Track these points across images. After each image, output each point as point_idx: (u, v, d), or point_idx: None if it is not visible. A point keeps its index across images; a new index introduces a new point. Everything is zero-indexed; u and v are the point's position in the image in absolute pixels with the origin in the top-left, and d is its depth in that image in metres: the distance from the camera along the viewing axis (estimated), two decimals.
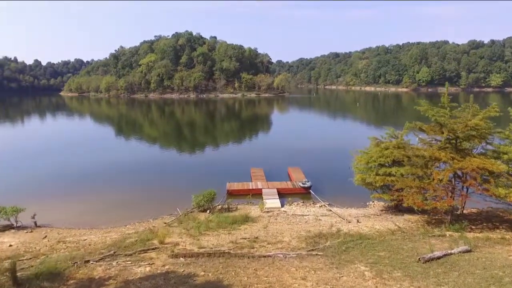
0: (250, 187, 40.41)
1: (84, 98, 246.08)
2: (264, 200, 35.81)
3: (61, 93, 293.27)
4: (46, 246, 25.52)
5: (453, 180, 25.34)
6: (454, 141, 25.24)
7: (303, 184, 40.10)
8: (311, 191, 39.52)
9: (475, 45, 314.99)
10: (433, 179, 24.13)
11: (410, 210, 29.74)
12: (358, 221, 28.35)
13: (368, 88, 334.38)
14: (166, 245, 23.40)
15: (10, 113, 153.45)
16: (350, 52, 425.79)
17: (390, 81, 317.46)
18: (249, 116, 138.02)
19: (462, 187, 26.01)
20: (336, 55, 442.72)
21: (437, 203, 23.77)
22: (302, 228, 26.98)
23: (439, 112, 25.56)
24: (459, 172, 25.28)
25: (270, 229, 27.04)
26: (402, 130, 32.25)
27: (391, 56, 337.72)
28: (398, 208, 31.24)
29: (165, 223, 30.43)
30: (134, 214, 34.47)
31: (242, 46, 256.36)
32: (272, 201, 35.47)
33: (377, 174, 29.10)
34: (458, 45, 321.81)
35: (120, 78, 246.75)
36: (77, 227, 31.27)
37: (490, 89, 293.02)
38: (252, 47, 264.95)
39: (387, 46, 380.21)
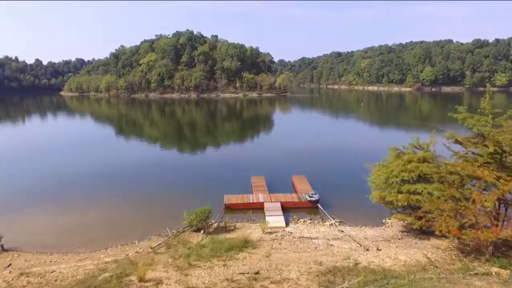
0: (251, 200, 36.07)
1: (84, 97, 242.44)
2: (266, 218, 31.51)
3: (62, 93, 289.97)
4: (5, 281, 21.27)
5: (496, 203, 20.76)
6: (498, 156, 20.71)
7: (310, 197, 35.75)
8: (319, 205, 35.17)
9: (479, 44, 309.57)
10: (473, 202, 19.72)
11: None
12: (378, 249, 23.93)
13: (371, 88, 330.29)
14: (146, 284, 19.13)
15: (10, 113, 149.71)
16: (352, 51, 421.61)
17: (394, 80, 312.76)
18: (251, 116, 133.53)
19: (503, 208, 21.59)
20: (339, 54, 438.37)
21: (479, 232, 19.32)
22: (311, 258, 22.68)
23: (480, 121, 21.02)
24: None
25: (273, 259, 22.75)
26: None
27: (394, 55, 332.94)
28: (421, 230, 26.68)
29: (151, 248, 26.13)
30: (119, 233, 30.24)
31: (244, 45, 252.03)
32: (275, 219, 31.13)
33: (399, 192, 24.80)
34: (462, 44, 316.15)
35: (120, 78, 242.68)
36: (50, 251, 27.10)
37: (495, 89, 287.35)
38: (254, 47, 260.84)
39: (390, 45, 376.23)
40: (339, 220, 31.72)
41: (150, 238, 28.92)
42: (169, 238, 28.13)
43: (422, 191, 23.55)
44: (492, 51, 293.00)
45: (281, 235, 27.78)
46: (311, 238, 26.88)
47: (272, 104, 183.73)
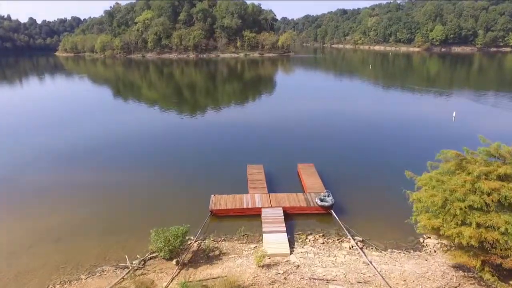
0: (245, 205, 27.67)
1: (80, 58, 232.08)
2: (263, 236, 23.44)
3: (56, 53, 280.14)
4: None
5: None
6: None
7: (321, 200, 27.43)
8: (333, 212, 26.98)
9: (495, 1, 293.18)
10: None
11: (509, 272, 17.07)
12: None
13: (377, 47, 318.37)
14: None
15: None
16: (359, 9, 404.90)
17: (401, 40, 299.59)
18: (252, 79, 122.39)
19: None
20: (344, 11, 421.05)
21: None
22: None
23: None
24: None
25: None
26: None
27: (403, 13, 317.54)
28: (483, 264, 18.17)
29: None
30: (65, 258, 22.31)
31: (245, 2, 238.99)
32: (275, 240, 22.90)
33: (463, 223, 16.40)
34: (476, 0, 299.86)
35: (116, 37, 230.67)
36: None
37: (508, 49, 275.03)
38: (256, 3, 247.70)
39: (399, 2, 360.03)
40: (361, 239, 23.62)
41: (103, 271, 20.89)
42: (127, 274, 20.11)
43: (507, 229, 15.20)
44: (508, 8, 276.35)
45: (283, 272, 19.64)
46: (327, 281, 18.76)
47: (275, 65, 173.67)
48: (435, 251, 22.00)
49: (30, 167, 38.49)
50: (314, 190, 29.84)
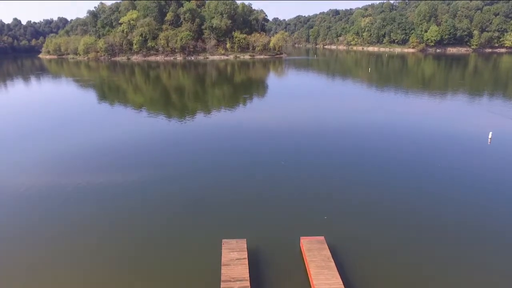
0: None
1: (63, 60, 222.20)
2: None
3: (40, 55, 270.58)
4: None
5: None
6: None
7: None
8: None
9: (489, 1, 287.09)
10: None
11: None
12: None
13: (371, 48, 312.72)
14: None
15: None
16: (351, 9, 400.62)
17: (396, 40, 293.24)
18: (243, 85, 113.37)
19: None
20: (336, 12, 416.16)
21: None
22: None
23: None
24: None
25: None
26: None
27: (396, 13, 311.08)
28: None
29: None
30: None
31: (235, 2, 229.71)
32: None
33: None
34: (471, 0, 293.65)
35: (100, 39, 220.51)
36: None
37: (503, 50, 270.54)
38: (246, 3, 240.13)
39: (392, 2, 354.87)
40: None
41: None
42: None
43: None
44: (503, 8, 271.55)
45: None
46: None
47: (267, 68, 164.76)
48: None
49: None
50: None
